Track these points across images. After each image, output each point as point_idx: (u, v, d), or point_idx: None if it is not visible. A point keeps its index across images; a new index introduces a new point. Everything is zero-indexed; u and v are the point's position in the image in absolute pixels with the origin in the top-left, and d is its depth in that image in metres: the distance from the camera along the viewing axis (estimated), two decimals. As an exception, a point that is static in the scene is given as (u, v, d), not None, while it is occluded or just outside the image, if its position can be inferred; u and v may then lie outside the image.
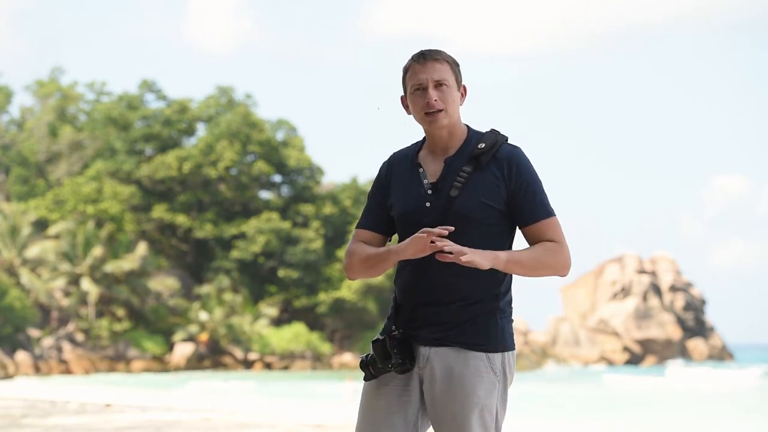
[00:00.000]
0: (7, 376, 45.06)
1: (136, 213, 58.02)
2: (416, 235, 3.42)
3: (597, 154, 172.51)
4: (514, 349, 3.59)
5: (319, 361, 55.27)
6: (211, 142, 59.78)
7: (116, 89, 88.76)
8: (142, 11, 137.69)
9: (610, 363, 68.41)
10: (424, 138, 3.65)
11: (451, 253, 3.36)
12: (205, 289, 54.88)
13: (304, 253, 56.73)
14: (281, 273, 57.08)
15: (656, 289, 71.97)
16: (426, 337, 3.53)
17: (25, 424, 13.30)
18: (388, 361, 3.50)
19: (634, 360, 69.20)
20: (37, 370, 47.47)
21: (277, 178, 62.48)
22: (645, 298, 71.06)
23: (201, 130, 63.31)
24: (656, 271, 73.15)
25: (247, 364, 53.87)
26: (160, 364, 51.35)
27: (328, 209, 59.50)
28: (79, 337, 50.43)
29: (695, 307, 73.20)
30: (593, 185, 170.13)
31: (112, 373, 49.05)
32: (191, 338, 52.99)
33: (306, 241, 57.41)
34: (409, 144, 3.71)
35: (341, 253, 57.75)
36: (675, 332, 70.65)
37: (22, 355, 47.52)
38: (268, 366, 54.03)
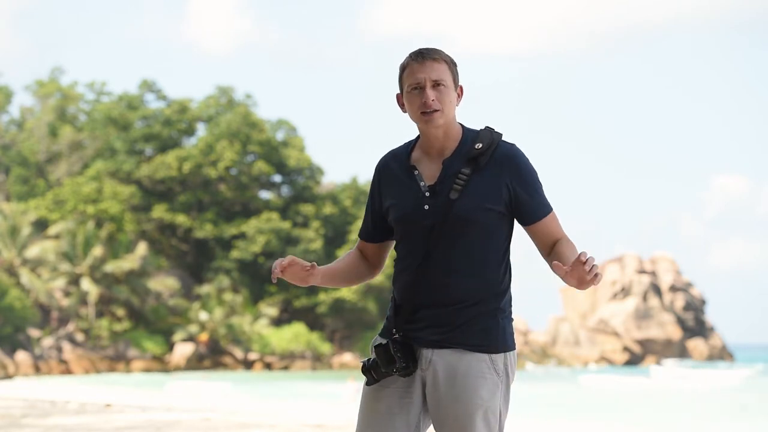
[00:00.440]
0: (7, 376, 45.06)
1: (136, 213, 58.01)
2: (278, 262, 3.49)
3: (597, 154, 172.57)
4: (515, 348, 3.58)
5: (319, 361, 55.27)
6: (211, 142, 59.77)
7: (116, 89, 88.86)
8: (142, 11, 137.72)
9: (610, 363, 68.42)
10: (416, 138, 3.62)
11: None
12: (205, 289, 54.88)
13: (304, 253, 56.72)
14: (281, 273, 57.03)
15: (656, 289, 71.97)
16: (427, 339, 3.52)
17: (25, 424, 13.29)
18: (392, 365, 3.48)
19: (634, 360, 69.20)
20: (37, 370, 47.46)
21: (277, 178, 62.48)
22: (645, 298, 71.06)
23: (201, 130, 63.32)
24: (656, 271, 73.14)
25: (247, 364, 53.86)
26: (160, 364, 51.34)
27: (328, 209, 59.49)
28: (79, 337, 50.43)
29: (695, 307, 73.19)
30: (593, 185, 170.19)
31: (112, 373, 49.05)
32: (191, 338, 52.99)
33: (306, 241, 57.41)
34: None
35: (341, 253, 57.79)
36: (675, 332, 70.65)
37: (22, 355, 47.51)
38: (268, 366, 54.03)
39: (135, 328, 52.15)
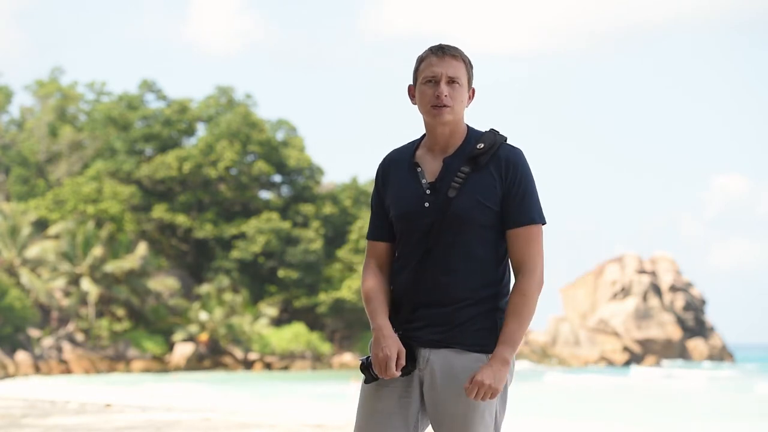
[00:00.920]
0: (7, 376, 45.06)
1: (136, 213, 58.00)
2: (384, 356, 3.44)
3: (597, 154, 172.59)
4: (513, 349, 3.59)
5: (319, 361, 55.26)
6: (211, 142, 59.76)
7: (116, 89, 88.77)
8: (142, 11, 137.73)
9: (610, 363, 68.41)
10: (422, 136, 3.64)
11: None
12: (205, 289, 54.86)
13: (304, 254, 56.71)
14: (281, 273, 57.06)
15: (656, 289, 71.95)
16: (425, 339, 3.53)
17: (25, 424, 13.29)
18: None
19: (634, 360, 69.18)
20: (37, 370, 47.45)
21: (277, 178, 62.46)
22: (645, 298, 71.04)
23: (201, 130, 63.29)
24: (656, 271, 73.13)
25: (247, 364, 53.84)
26: (160, 364, 51.32)
27: (328, 209, 59.48)
28: (79, 337, 50.42)
29: (695, 307, 73.18)
30: (593, 185, 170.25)
31: (112, 373, 49.04)
32: (191, 338, 52.97)
33: (306, 241, 57.39)
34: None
35: (341, 253, 57.83)
36: (675, 332, 70.63)
37: (22, 355, 47.51)
38: (268, 366, 54.01)
39: (135, 328, 52.14)
